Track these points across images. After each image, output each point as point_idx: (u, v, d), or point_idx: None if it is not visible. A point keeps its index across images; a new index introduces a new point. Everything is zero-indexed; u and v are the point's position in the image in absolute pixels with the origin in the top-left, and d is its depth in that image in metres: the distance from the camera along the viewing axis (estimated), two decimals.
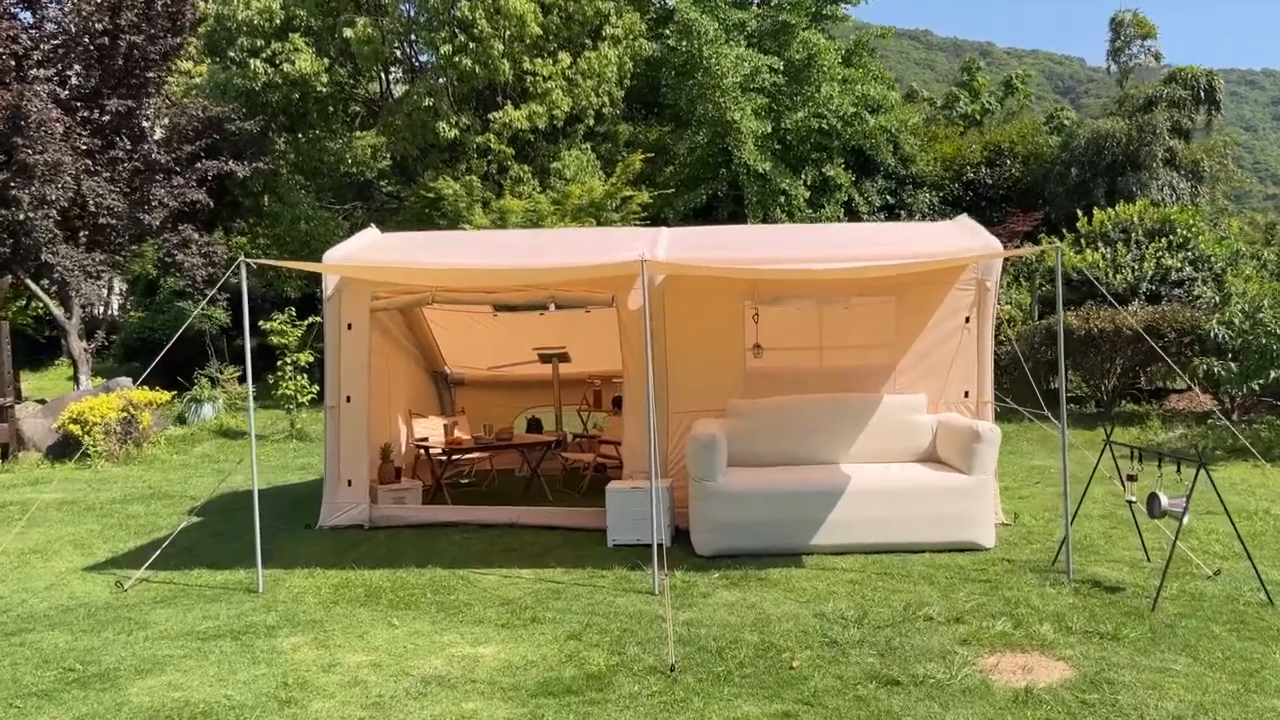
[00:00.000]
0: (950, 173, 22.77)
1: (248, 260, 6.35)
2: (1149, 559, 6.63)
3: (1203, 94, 21.52)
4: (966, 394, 7.98)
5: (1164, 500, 5.86)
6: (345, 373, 8.24)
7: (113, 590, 6.54)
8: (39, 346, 26.92)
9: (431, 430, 9.91)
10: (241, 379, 15.66)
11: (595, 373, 10.87)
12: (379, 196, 21.34)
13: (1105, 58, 24.01)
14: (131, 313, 25.59)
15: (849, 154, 21.44)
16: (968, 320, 7.94)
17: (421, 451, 9.57)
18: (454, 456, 9.20)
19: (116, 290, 28.59)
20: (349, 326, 8.22)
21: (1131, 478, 6.28)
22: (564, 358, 10.58)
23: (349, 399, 8.22)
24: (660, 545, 6.25)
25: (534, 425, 11.00)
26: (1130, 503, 6.40)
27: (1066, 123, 25.69)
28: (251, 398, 6.69)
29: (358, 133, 20.12)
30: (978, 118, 26.78)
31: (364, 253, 8.13)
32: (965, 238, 7.96)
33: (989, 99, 27.49)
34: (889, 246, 7.74)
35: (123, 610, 6.08)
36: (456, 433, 9.82)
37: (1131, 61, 23.78)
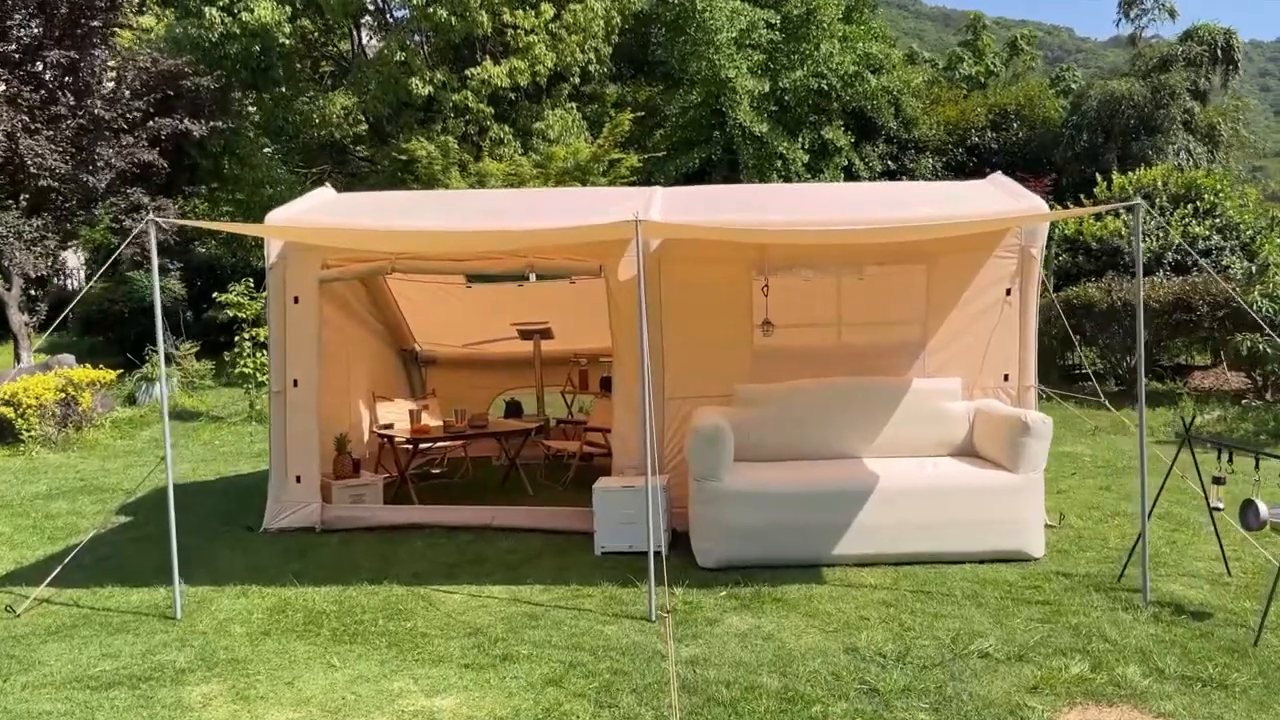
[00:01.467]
0: (954, 137, 21.68)
1: (157, 220, 5.25)
2: (1230, 573, 5.66)
3: (1220, 53, 20.44)
4: (1006, 378, 6.97)
5: (1263, 510, 4.87)
6: (292, 353, 7.16)
7: (2, 616, 5.48)
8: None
9: (397, 415, 8.86)
10: (199, 355, 14.51)
11: (581, 350, 9.83)
12: (352, 160, 20.09)
13: (1115, 10, 22.80)
14: (93, 284, 24.24)
15: (848, 116, 20.31)
16: (1009, 293, 6.93)
17: (385, 441, 8.51)
18: (420, 446, 8.14)
19: (80, 260, 27.22)
20: (295, 300, 7.13)
21: (1219, 480, 5.28)
22: (546, 334, 9.53)
23: (296, 383, 7.15)
24: (657, 557, 5.23)
25: (513, 409, 9.95)
26: (1216, 510, 5.41)
27: (1074, 85, 24.57)
28: (164, 379, 5.60)
29: (330, 94, 18.83)
30: (981, 80, 25.61)
31: (311, 214, 7.01)
32: (1006, 198, 6.91)
33: (993, 61, 26.32)
34: (922, 208, 6.68)
35: (7, 644, 5.02)
36: (425, 418, 8.76)
37: (1145, 18, 22.66)
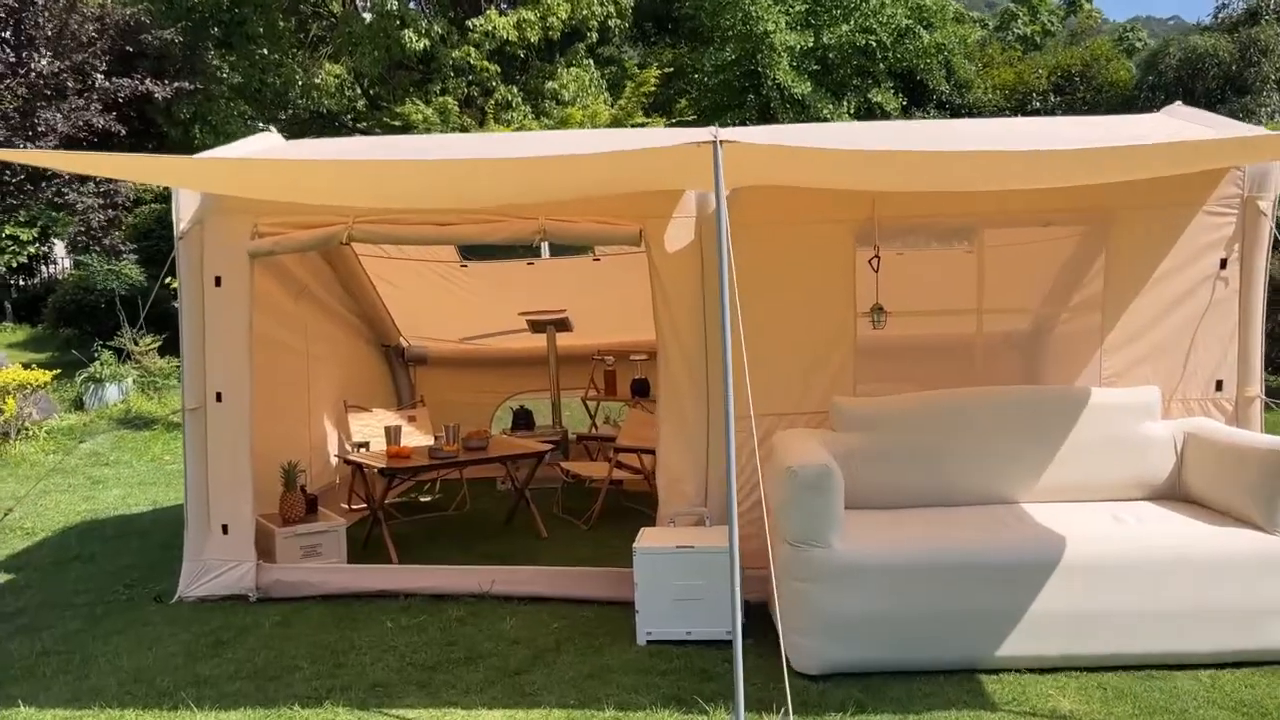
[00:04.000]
0: (1012, 102, 19.55)
1: None
2: None
3: None
4: (1219, 385, 4.93)
5: None
6: (214, 355, 5.19)
7: None
8: None
9: (374, 432, 6.91)
10: (162, 351, 12.53)
11: (607, 346, 7.86)
12: (345, 130, 18.11)
13: None
14: (70, 271, 22.44)
15: (896, 78, 18.20)
16: (1223, 265, 4.88)
17: (356, 468, 6.52)
18: (396, 478, 6.16)
19: (59, 247, 25.43)
20: (217, 281, 5.16)
21: None
22: (563, 325, 7.58)
23: (220, 396, 5.18)
24: (741, 667, 3.24)
25: (522, 418, 8.00)
26: None
27: (1138, 45, 22.36)
28: None
29: (316, 54, 16.86)
30: (1037, 40, 23.39)
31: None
32: (1208, 132, 4.85)
33: (1049, 19, 24.08)
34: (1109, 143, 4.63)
35: None
36: (407, 435, 6.80)
37: None
